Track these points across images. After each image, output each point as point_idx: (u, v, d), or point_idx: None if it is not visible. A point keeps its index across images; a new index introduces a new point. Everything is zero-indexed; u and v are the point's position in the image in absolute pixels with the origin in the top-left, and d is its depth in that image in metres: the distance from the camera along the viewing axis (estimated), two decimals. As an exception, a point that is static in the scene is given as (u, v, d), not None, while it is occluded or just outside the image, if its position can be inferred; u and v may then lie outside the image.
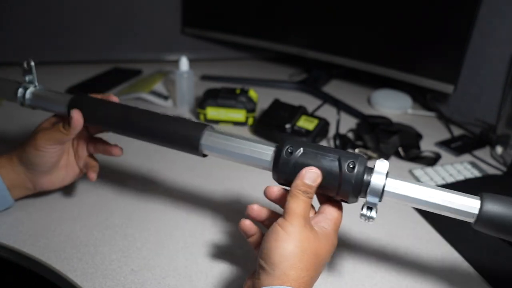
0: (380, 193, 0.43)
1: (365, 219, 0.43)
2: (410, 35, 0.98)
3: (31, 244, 0.56)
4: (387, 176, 0.43)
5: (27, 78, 0.58)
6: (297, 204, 0.42)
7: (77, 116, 0.53)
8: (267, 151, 0.47)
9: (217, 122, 0.92)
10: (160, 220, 0.62)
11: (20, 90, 0.58)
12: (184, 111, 0.98)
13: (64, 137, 0.55)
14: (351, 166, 0.43)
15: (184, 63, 0.95)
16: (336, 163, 0.43)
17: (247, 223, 0.48)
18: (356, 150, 0.82)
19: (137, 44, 1.28)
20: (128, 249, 0.56)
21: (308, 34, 1.15)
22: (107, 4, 1.20)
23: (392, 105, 1.05)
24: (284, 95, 1.04)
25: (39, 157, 0.55)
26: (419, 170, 0.78)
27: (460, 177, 0.76)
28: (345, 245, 0.59)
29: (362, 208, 0.44)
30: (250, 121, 0.92)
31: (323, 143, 0.88)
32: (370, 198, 0.43)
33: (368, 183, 0.43)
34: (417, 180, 0.76)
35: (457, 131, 0.97)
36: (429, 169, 0.78)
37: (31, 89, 0.58)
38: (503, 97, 0.85)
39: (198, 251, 0.57)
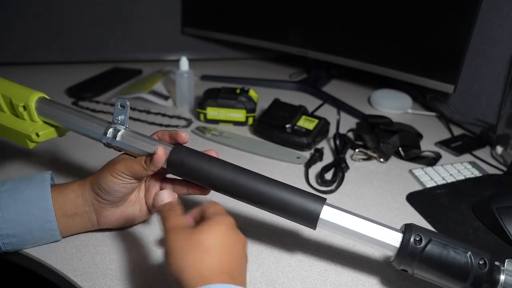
0: None
1: None
2: (410, 35, 0.98)
3: (31, 244, 0.56)
4: None
5: (119, 118, 0.53)
6: (167, 220, 0.44)
7: (160, 153, 0.50)
8: (393, 237, 0.47)
9: (217, 122, 0.93)
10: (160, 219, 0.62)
11: (111, 131, 0.52)
12: (184, 111, 0.98)
13: (143, 171, 0.51)
14: (481, 262, 0.44)
15: (184, 63, 0.95)
16: (467, 258, 0.44)
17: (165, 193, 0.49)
18: (356, 150, 0.82)
19: (137, 44, 1.28)
20: (128, 249, 0.56)
21: (308, 34, 1.15)
22: (107, 4, 1.20)
23: (392, 105, 1.05)
24: (284, 95, 1.04)
25: (112, 183, 0.51)
26: (419, 170, 0.78)
27: (460, 177, 0.77)
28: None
29: None
30: (250, 121, 0.92)
31: (323, 143, 0.88)
32: None
33: (498, 280, 0.44)
34: (417, 180, 0.76)
35: (457, 131, 0.97)
36: (429, 169, 0.78)
37: (122, 132, 0.53)
38: (503, 97, 0.85)
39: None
